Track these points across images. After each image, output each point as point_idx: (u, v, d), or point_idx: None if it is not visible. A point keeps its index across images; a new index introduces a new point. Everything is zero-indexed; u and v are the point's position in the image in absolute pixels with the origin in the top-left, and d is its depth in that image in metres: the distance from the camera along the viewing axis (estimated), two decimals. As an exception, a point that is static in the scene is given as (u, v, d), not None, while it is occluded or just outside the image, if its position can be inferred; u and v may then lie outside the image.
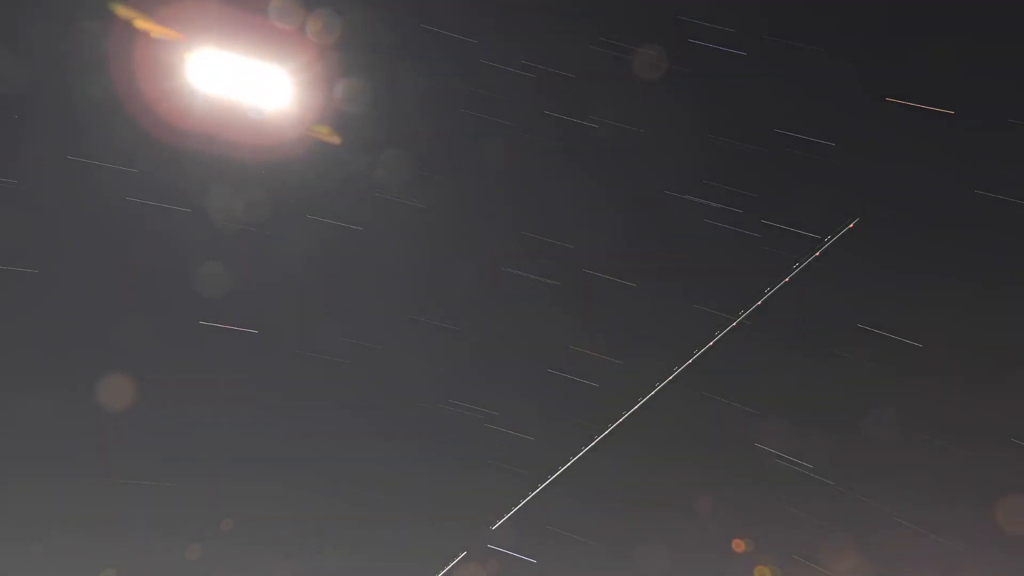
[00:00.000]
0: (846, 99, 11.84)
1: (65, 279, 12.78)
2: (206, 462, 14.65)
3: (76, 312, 13.30)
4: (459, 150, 12.33)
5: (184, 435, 14.61)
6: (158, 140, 11.24)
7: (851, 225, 12.42)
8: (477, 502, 14.84)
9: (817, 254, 12.67)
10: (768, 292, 12.97)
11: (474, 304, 13.77)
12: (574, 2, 11.65)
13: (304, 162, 11.90)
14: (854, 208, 12.41)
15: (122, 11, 10.34)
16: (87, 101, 11.08)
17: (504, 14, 11.53)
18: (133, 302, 13.20)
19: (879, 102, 11.64)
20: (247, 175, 12.01)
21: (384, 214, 12.75)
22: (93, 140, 11.57)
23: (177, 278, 12.99)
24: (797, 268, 12.78)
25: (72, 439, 14.21)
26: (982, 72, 11.36)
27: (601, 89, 12.03)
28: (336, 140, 11.35)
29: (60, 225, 12.48)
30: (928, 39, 11.35)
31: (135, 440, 14.29)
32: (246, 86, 10.74)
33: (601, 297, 13.56)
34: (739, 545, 14.86)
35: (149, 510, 14.60)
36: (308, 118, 11.31)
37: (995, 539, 13.68)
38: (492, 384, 14.42)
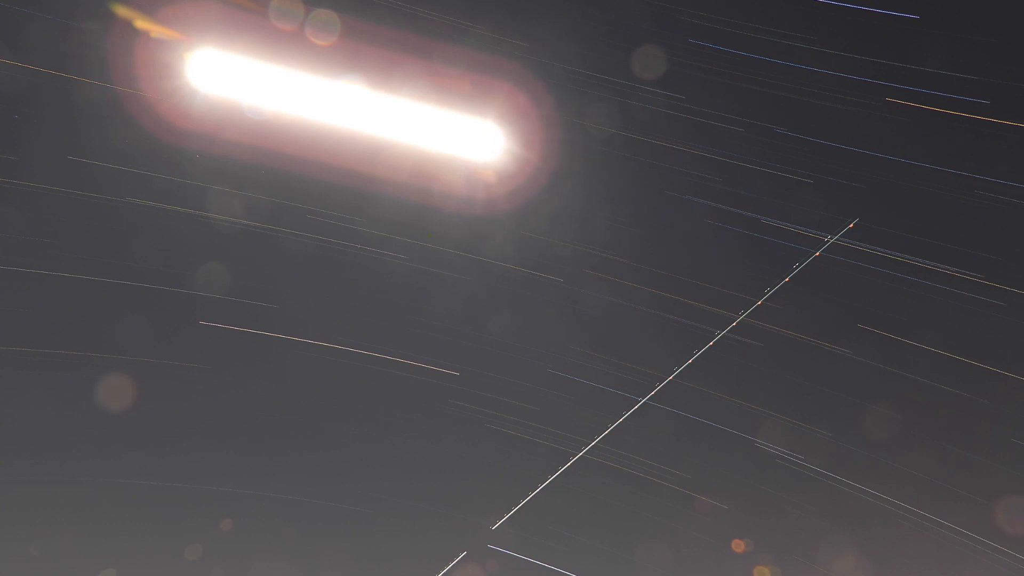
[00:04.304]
0: (846, 99, 11.84)
1: (65, 279, 12.78)
2: (205, 462, 14.65)
3: (76, 312, 13.30)
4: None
5: (183, 435, 14.62)
6: (158, 140, 11.24)
7: (851, 225, 12.43)
8: (477, 502, 14.85)
9: (817, 254, 12.67)
10: (768, 292, 12.98)
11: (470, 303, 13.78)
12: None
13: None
14: (854, 208, 12.43)
15: (122, 11, 10.33)
16: (87, 101, 11.07)
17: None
18: (133, 302, 13.21)
19: (879, 102, 11.65)
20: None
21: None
22: (93, 140, 11.57)
23: (177, 278, 13.01)
24: (797, 268, 12.79)
25: (72, 439, 14.21)
26: (982, 72, 11.36)
27: (600, 89, 12.04)
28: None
29: (60, 225, 12.49)
30: (929, 38, 11.36)
31: (135, 440, 14.29)
32: (248, 87, 10.75)
33: (601, 297, 13.56)
34: (739, 545, 14.87)
35: (149, 510, 14.61)
36: (517, 170, 11.53)
37: (997, 538, 13.70)
38: (492, 384, 14.43)
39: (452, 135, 11.26)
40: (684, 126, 12.20)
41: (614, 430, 13.92)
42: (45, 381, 13.57)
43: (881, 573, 14.71)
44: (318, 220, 12.63)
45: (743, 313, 13.14)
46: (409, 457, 15.10)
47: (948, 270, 12.45)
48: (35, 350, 13.32)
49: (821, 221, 12.57)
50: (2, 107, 11.31)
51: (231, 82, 10.69)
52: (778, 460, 14.17)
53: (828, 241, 12.54)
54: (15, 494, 13.94)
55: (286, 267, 13.35)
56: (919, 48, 11.36)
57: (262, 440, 14.84)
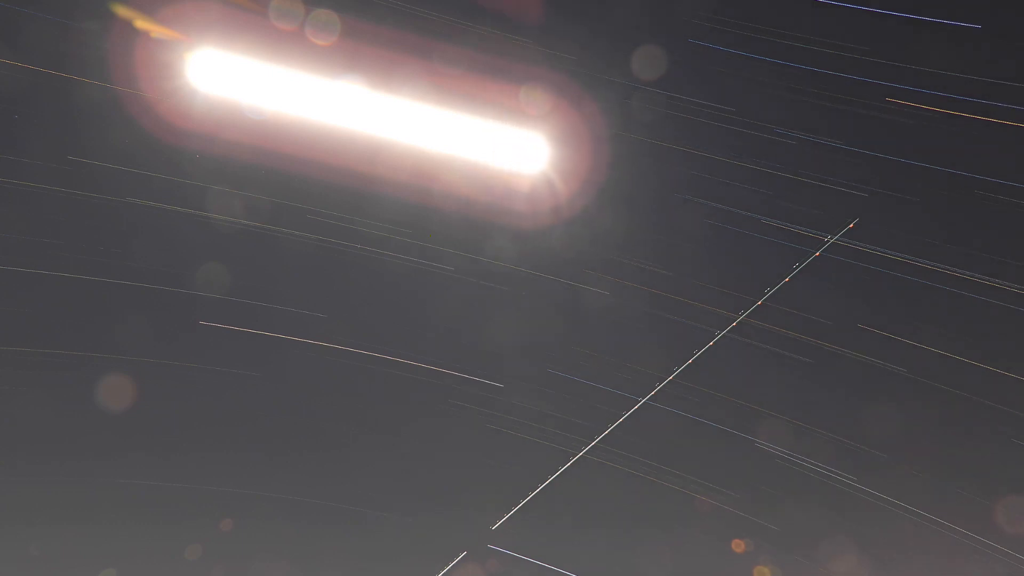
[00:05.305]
0: (846, 99, 11.85)
1: (65, 279, 12.78)
2: (205, 462, 14.65)
3: (76, 312, 13.31)
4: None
5: (183, 435, 14.62)
6: (158, 140, 11.25)
7: (851, 225, 12.43)
8: (477, 502, 14.85)
9: (817, 254, 12.68)
10: (768, 292, 12.98)
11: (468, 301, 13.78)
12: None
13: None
14: (854, 208, 12.43)
15: (122, 11, 10.34)
16: (87, 101, 11.08)
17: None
18: (133, 302, 13.21)
19: (879, 102, 11.65)
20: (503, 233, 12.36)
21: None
22: (93, 140, 11.57)
23: (177, 278, 13.02)
24: (797, 268, 12.79)
25: (72, 439, 14.21)
26: (982, 72, 11.36)
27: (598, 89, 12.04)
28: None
29: (60, 225, 12.49)
30: (928, 38, 11.36)
31: (135, 440, 14.29)
32: (248, 87, 10.75)
33: (601, 296, 13.57)
34: (739, 545, 14.87)
35: (149, 510, 14.61)
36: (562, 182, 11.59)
37: (997, 538, 13.70)
38: (492, 384, 14.43)
39: (452, 136, 11.27)
40: (683, 126, 12.22)
41: (614, 430, 13.93)
42: (45, 381, 13.58)
43: (881, 573, 14.72)
44: (318, 220, 12.64)
45: (743, 313, 13.15)
46: (409, 457, 15.10)
47: (948, 270, 12.46)
48: (35, 350, 13.33)
49: (821, 221, 12.59)
50: (2, 107, 11.32)
51: (231, 82, 10.69)
52: (778, 460, 14.19)
53: (828, 241, 12.54)
54: (15, 494, 13.94)
55: (286, 267, 13.36)
56: (919, 48, 11.36)
57: (262, 440, 14.85)
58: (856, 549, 14.51)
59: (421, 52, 10.88)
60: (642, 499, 14.86)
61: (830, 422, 14.05)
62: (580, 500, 14.79)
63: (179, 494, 14.51)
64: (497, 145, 11.36)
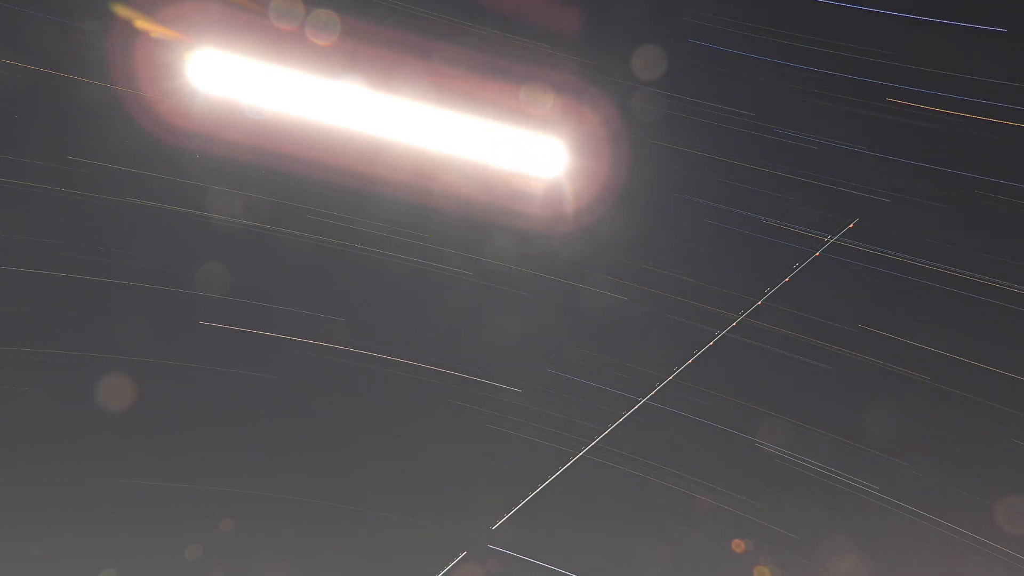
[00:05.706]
0: (846, 99, 11.85)
1: (65, 279, 12.78)
2: (205, 462, 14.66)
3: (76, 312, 13.31)
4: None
5: (183, 435, 14.62)
6: (158, 140, 11.25)
7: (851, 225, 12.43)
8: (477, 502, 14.85)
9: (817, 254, 12.68)
10: (768, 292, 12.98)
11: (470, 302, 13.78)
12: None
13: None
14: (854, 208, 12.43)
15: (122, 11, 10.34)
16: (87, 101, 11.08)
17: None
18: (133, 302, 13.21)
19: (879, 102, 11.65)
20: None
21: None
22: (93, 140, 11.57)
23: (177, 278, 13.02)
24: (797, 268, 12.79)
25: (72, 439, 14.21)
26: (982, 72, 11.36)
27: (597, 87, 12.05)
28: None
29: (60, 225, 12.49)
30: (928, 38, 11.36)
31: (135, 440, 14.29)
32: (248, 87, 10.75)
33: (601, 296, 13.57)
34: (739, 545, 14.88)
35: (149, 510, 14.61)
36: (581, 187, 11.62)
37: (997, 538, 13.70)
38: (492, 384, 14.43)
39: (452, 136, 11.28)
40: (683, 126, 12.22)
41: (614, 430, 13.93)
42: (45, 381, 13.58)
43: (881, 572, 14.72)
44: (318, 220, 12.64)
45: (743, 313, 13.15)
46: (409, 457, 15.10)
47: (948, 270, 12.46)
48: (35, 350, 13.33)
49: (821, 221, 12.59)
50: (2, 107, 11.31)
51: (231, 82, 10.69)
52: (778, 460, 14.19)
53: (828, 241, 12.55)
54: (15, 494, 13.94)
55: (286, 267, 13.36)
56: (919, 48, 11.36)
57: (262, 440, 14.85)
58: (856, 549, 14.51)
59: (421, 52, 10.88)
60: (642, 499, 14.87)
61: (830, 422, 14.06)
62: (580, 500, 14.79)
63: (179, 494, 14.51)
64: (497, 145, 11.37)
